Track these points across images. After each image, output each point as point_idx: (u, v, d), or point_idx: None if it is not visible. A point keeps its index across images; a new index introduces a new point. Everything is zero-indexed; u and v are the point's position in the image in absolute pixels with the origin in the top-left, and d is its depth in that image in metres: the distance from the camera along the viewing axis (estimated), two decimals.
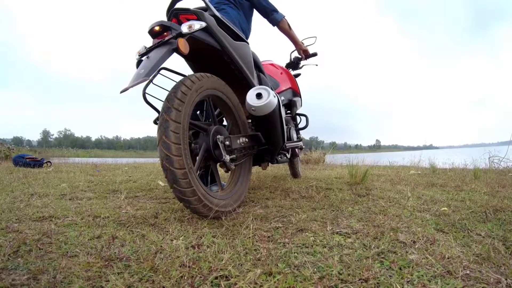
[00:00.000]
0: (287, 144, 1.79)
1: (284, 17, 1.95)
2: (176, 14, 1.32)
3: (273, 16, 1.93)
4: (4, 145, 6.60)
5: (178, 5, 1.35)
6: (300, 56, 2.33)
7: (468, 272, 0.72)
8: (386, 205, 1.41)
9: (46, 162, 4.10)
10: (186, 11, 1.29)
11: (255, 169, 3.03)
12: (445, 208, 1.35)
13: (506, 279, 0.67)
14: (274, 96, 1.40)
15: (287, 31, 2.05)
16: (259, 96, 1.38)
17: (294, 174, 2.60)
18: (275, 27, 1.99)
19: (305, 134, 2.41)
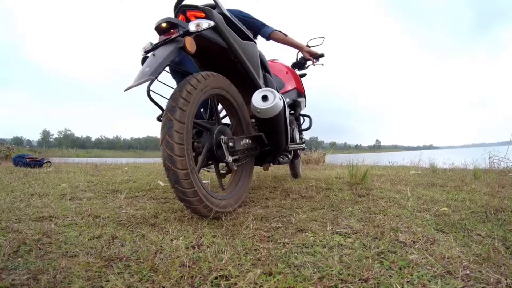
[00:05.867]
0: (289, 146, 1.79)
1: (274, 29, 2.00)
2: (183, 10, 1.29)
3: (263, 29, 1.99)
4: (4, 145, 6.60)
5: (186, 1, 1.34)
6: (308, 58, 2.29)
7: (468, 272, 0.72)
8: (386, 205, 1.41)
9: (46, 162, 4.10)
10: (194, 8, 1.27)
11: (256, 168, 3.03)
12: (445, 208, 1.35)
13: (506, 279, 0.67)
14: (280, 99, 1.39)
15: (283, 39, 2.07)
16: (264, 98, 1.37)
17: (295, 174, 2.60)
18: (270, 40, 2.04)
19: (305, 134, 2.41)
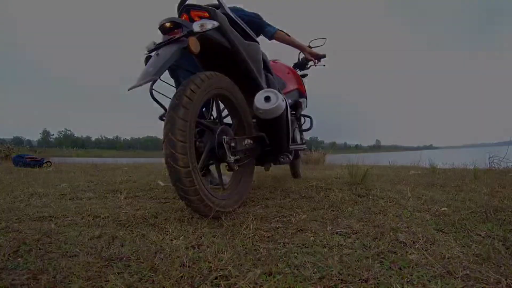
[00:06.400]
0: (291, 146, 1.80)
1: (277, 29, 2.00)
2: (187, 10, 1.29)
3: (267, 29, 2.00)
4: (4, 145, 6.60)
5: (190, 0, 1.33)
6: (310, 59, 2.30)
7: (468, 272, 0.72)
8: (386, 205, 1.41)
9: (46, 162, 4.10)
10: (198, 7, 1.27)
11: (256, 168, 3.03)
12: (445, 208, 1.35)
13: (506, 279, 0.67)
14: (283, 100, 1.40)
15: (286, 39, 2.08)
16: (267, 99, 1.37)
17: (295, 174, 2.60)
18: (273, 40, 2.05)
19: (305, 134, 2.41)
